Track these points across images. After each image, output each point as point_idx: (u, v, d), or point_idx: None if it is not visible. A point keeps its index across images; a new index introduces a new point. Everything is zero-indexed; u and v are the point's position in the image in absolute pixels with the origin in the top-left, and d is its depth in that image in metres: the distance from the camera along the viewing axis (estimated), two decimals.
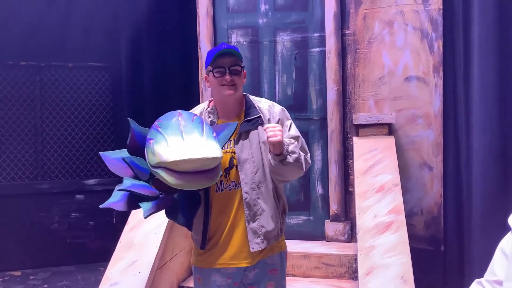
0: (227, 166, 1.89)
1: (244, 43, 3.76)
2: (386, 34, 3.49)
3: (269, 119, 1.94)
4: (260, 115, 1.93)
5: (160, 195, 1.75)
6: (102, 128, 5.06)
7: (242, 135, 1.90)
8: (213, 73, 1.88)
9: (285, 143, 1.82)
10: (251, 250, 1.88)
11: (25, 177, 4.85)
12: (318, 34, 3.61)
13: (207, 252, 1.93)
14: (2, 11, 4.60)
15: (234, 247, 1.90)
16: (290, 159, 1.81)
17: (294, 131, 1.97)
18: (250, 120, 1.92)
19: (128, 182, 1.75)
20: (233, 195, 1.90)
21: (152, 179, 1.76)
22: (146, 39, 4.90)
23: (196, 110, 2.02)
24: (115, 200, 1.78)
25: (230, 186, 1.90)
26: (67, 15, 4.73)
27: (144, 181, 1.77)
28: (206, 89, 3.79)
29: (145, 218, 1.75)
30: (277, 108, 2.00)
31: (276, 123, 1.90)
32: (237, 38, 3.78)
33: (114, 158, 1.83)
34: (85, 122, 5.00)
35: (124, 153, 1.82)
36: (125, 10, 4.81)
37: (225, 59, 1.86)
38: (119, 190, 1.75)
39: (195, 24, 3.84)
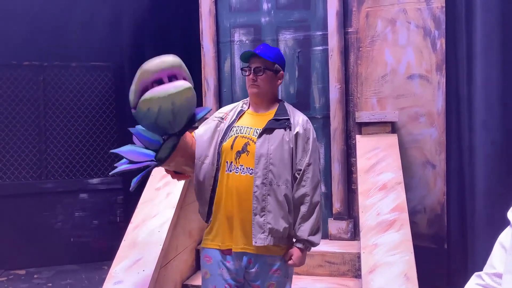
0: (240, 149, 1.96)
1: (247, 41, 3.77)
2: (388, 32, 3.49)
3: (292, 126, 2.01)
4: (289, 118, 2.02)
5: (144, 162, 1.79)
6: (105, 128, 5.08)
7: (266, 130, 1.97)
8: (242, 71, 2.08)
9: (301, 242, 1.98)
10: (253, 244, 1.91)
11: (29, 176, 4.87)
12: (320, 33, 3.61)
13: (214, 230, 2.00)
14: (5, 11, 4.61)
15: (238, 232, 1.95)
16: (315, 239, 1.99)
17: (309, 157, 1.99)
18: (279, 120, 2.00)
19: (125, 147, 1.84)
20: (242, 180, 1.94)
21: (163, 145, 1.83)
22: (148, 38, 4.90)
23: (240, 101, 2.19)
24: (121, 162, 1.85)
25: (237, 169, 1.95)
26: (69, 15, 4.74)
27: (152, 150, 1.83)
28: (209, 88, 3.80)
29: (131, 190, 1.81)
30: (305, 122, 2.04)
31: (295, 134, 1.98)
32: (239, 37, 3.78)
33: (126, 149, 1.87)
34: (88, 121, 5.02)
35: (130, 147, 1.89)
36: (128, 10, 4.82)
37: (253, 59, 2.04)
38: (111, 151, 1.85)
39: (198, 22, 3.85)
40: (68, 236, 4.92)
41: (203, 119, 2.35)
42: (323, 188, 3.65)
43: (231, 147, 1.97)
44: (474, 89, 3.22)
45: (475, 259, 3.15)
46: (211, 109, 2.00)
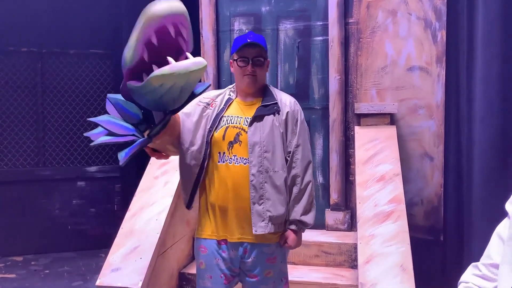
0: (231, 139, 1.94)
1: (247, 31, 3.74)
2: (389, 23, 3.47)
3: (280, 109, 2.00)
4: (276, 102, 2.00)
5: (128, 136, 1.69)
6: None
7: (256, 118, 1.95)
8: (237, 62, 1.99)
9: (295, 223, 1.99)
10: (254, 232, 1.91)
11: (26, 163, 4.86)
12: (321, 23, 3.59)
13: (210, 220, 1.99)
14: None
15: (233, 222, 1.94)
16: (308, 219, 2.00)
17: (298, 139, 1.99)
18: (267, 106, 1.98)
19: (104, 116, 1.74)
20: (237, 170, 1.93)
21: (145, 123, 1.73)
22: None
23: (225, 89, 2.12)
24: (95, 132, 1.75)
25: (231, 160, 1.94)
26: (69, 1, 4.70)
27: (132, 124, 1.72)
28: (207, 77, 3.79)
29: (121, 165, 1.70)
30: (293, 103, 2.04)
31: (284, 117, 1.98)
32: (239, 26, 3.76)
33: (105, 119, 1.77)
34: (86, 109, 5.00)
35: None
36: None
37: (249, 49, 1.96)
38: (89, 119, 1.75)
39: (198, 11, 3.82)
40: (66, 224, 4.93)
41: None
42: (320, 179, 3.66)
43: (223, 138, 1.95)
44: (474, 82, 3.21)
45: (471, 251, 3.17)
46: (210, 84, 1.90)
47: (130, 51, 1.54)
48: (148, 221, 2.84)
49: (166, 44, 1.55)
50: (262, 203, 1.92)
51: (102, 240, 4.33)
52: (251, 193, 1.92)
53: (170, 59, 1.51)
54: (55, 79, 4.93)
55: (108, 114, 1.79)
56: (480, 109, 3.13)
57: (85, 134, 1.77)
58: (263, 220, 1.91)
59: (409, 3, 3.43)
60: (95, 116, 1.77)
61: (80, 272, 4.28)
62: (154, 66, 1.53)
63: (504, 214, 1.06)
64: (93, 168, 5.00)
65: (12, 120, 4.81)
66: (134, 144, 1.68)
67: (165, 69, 1.48)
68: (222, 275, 1.98)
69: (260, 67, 1.98)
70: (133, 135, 1.70)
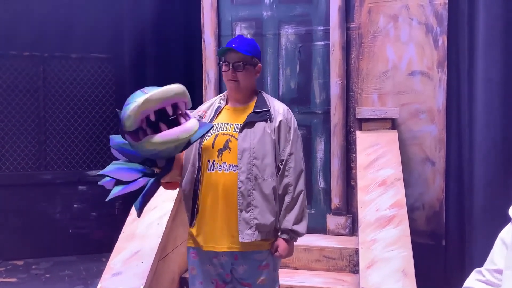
0: (221, 147, 1.93)
1: (248, 35, 3.75)
2: (390, 28, 3.48)
3: (273, 115, 1.99)
4: (269, 109, 1.98)
5: (138, 180, 1.76)
6: (105, 120, 5.07)
7: (247, 124, 1.93)
8: (220, 66, 2.02)
9: (287, 231, 1.97)
10: (241, 240, 1.89)
11: (28, 167, 4.86)
12: (322, 28, 3.60)
13: (198, 230, 1.96)
14: (6, 2, 4.59)
15: (224, 231, 1.91)
16: (300, 228, 1.98)
17: (291, 147, 1.98)
18: (259, 112, 1.96)
19: (110, 166, 1.81)
20: (226, 177, 1.90)
21: (147, 161, 1.81)
22: (150, 31, 4.88)
23: (216, 97, 2.14)
24: (105, 181, 1.82)
25: (220, 167, 1.91)
26: (71, 6, 4.72)
27: (138, 163, 1.81)
28: (209, 81, 3.80)
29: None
30: (286, 111, 2.02)
31: (277, 125, 1.96)
32: (241, 31, 3.77)
33: (113, 168, 1.84)
34: (88, 113, 5.01)
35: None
36: (129, 2, 4.79)
37: (231, 54, 1.96)
38: (98, 174, 1.82)
39: (199, 16, 3.84)
40: (67, 227, 4.92)
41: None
42: (322, 183, 3.65)
43: (212, 146, 1.92)
44: (475, 86, 3.22)
45: (472, 256, 3.17)
46: (213, 126, 1.92)
47: (129, 121, 1.62)
48: (149, 225, 2.84)
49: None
50: (250, 210, 1.89)
51: (103, 244, 4.32)
52: (239, 200, 1.89)
53: (162, 126, 1.62)
54: (57, 83, 4.94)
55: (114, 159, 1.88)
56: (481, 114, 3.14)
57: (99, 183, 1.83)
58: (250, 228, 1.88)
59: (410, 8, 3.44)
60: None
61: (81, 276, 4.28)
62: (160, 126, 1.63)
63: (506, 219, 1.07)
64: (94, 172, 4.99)
65: (14, 123, 4.82)
66: (143, 192, 1.76)
67: (156, 138, 1.60)
68: (213, 281, 1.98)
69: (241, 72, 1.95)
70: (143, 173, 1.78)
